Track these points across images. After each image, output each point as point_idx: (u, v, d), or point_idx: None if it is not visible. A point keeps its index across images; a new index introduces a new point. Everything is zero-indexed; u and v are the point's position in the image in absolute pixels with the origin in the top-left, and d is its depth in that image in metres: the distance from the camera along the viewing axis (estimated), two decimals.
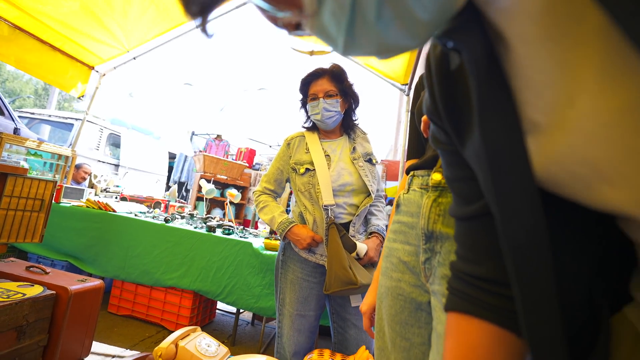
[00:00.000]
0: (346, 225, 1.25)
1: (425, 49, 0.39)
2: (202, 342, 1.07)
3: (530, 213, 0.26)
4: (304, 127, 1.39)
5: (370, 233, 1.28)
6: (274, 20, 0.26)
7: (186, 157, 6.08)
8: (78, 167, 3.26)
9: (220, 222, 2.39)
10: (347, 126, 1.36)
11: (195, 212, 2.56)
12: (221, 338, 2.17)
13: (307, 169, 1.26)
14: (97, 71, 2.95)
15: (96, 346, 1.72)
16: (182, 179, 6.02)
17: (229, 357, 1.10)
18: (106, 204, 2.31)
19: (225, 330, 2.35)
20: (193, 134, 7.11)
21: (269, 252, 1.93)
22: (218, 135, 4.78)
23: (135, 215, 2.32)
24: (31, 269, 1.59)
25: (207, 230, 2.13)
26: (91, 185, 2.91)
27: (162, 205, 2.94)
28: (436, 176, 0.69)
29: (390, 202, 2.22)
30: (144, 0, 2.35)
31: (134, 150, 5.26)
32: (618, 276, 0.30)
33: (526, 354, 0.32)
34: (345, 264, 1.11)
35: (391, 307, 0.72)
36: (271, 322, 2.28)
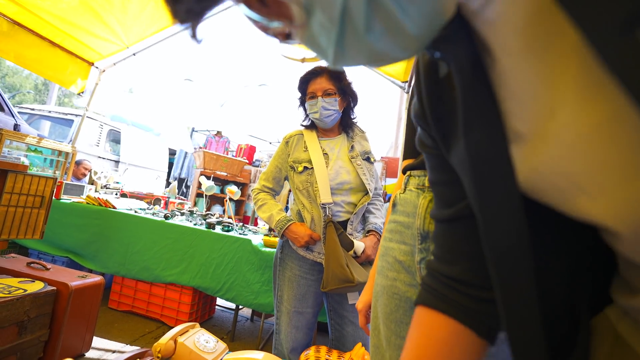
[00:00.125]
0: (344, 224, 1.26)
1: None
2: (200, 339, 1.09)
3: (513, 221, 0.26)
4: (302, 125, 1.39)
5: (368, 231, 1.29)
6: (265, 29, 0.26)
7: (186, 153, 6.09)
8: (78, 163, 3.27)
9: (220, 219, 2.40)
10: (345, 124, 1.37)
11: (195, 209, 2.57)
12: (220, 334, 2.19)
13: (306, 167, 1.27)
14: (96, 67, 2.95)
15: (97, 341, 1.74)
16: (182, 175, 6.03)
17: (227, 353, 1.11)
18: (106, 200, 2.32)
19: (224, 326, 2.37)
20: (193, 130, 7.11)
21: (268, 249, 1.94)
22: (218, 132, 4.78)
23: (135, 211, 2.33)
24: (32, 265, 1.60)
25: (206, 227, 2.14)
26: (91, 182, 2.92)
27: (162, 201, 2.95)
28: None
29: (390, 199, 2.23)
30: None
31: (134, 147, 5.26)
32: (599, 279, 0.31)
33: (483, 353, 0.34)
34: (343, 262, 1.12)
35: (386, 306, 0.73)
36: (270, 318, 2.30)
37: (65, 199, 2.38)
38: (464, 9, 0.26)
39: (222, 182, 4.04)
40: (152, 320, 2.16)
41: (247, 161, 4.41)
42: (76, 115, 4.52)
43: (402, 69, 2.64)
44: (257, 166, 4.60)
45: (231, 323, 2.24)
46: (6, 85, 16.66)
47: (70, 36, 2.56)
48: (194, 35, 0.28)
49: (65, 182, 2.43)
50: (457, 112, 0.28)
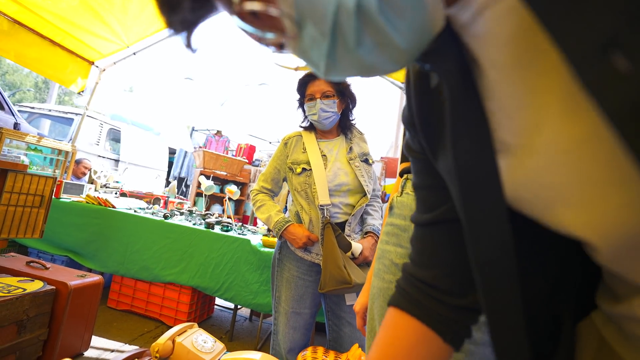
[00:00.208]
0: (342, 225, 1.27)
1: None
2: (198, 339, 1.09)
3: (499, 230, 0.27)
4: (301, 127, 1.40)
5: (366, 233, 1.30)
6: (259, 40, 0.27)
7: (186, 152, 6.09)
8: (78, 162, 3.28)
9: (219, 218, 2.41)
10: (344, 126, 1.37)
11: (194, 209, 2.57)
12: (219, 333, 2.20)
13: (304, 169, 1.28)
14: (97, 66, 2.95)
15: (95, 340, 1.75)
16: (182, 175, 6.03)
17: (225, 353, 1.12)
18: (106, 199, 2.33)
19: (223, 325, 2.38)
20: (193, 129, 7.12)
21: (266, 249, 1.95)
22: (218, 131, 4.78)
23: (135, 211, 2.33)
24: (31, 264, 1.61)
25: (205, 227, 2.15)
26: (91, 181, 2.93)
27: (162, 201, 2.95)
28: None
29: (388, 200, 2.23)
30: None
31: (134, 146, 5.27)
32: (585, 284, 0.31)
33: (447, 358, 0.36)
34: (340, 263, 1.13)
35: (382, 308, 0.74)
36: (269, 318, 2.31)
37: (65, 198, 2.39)
38: (453, 22, 0.26)
39: (221, 182, 4.04)
40: (151, 320, 2.17)
41: (247, 161, 4.41)
42: (76, 114, 4.52)
43: (402, 70, 2.64)
44: (257, 166, 4.60)
45: (230, 323, 2.24)
46: (6, 83, 16.66)
47: (71, 35, 2.56)
48: (188, 45, 0.28)
49: (65, 181, 2.44)
50: (445, 121, 0.29)
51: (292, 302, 1.25)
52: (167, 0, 0.25)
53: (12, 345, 1.27)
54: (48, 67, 2.61)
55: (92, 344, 1.69)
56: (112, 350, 1.74)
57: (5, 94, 3.50)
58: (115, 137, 5.06)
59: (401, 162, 0.90)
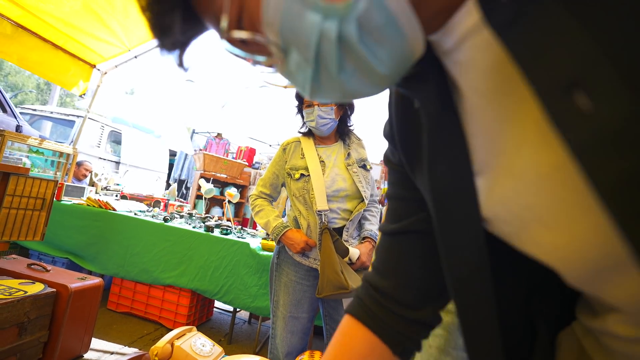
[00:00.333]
0: (339, 230, 1.28)
1: None
2: (197, 342, 1.10)
3: (474, 250, 0.28)
4: (300, 133, 1.41)
5: (364, 238, 1.31)
6: (248, 61, 0.28)
7: (186, 155, 6.11)
8: (79, 164, 3.29)
9: (219, 221, 2.42)
10: (342, 132, 1.39)
11: (194, 212, 2.59)
12: (218, 336, 2.20)
13: (302, 175, 1.29)
14: (98, 69, 2.97)
15: (95, 342, 1.76)
16: (183, 177, 6.05)
17: (223, 356, 1.13)
18: (106, 202, 2.34)
19: (222, 328, 2.39)
20: (194, 132, 7.15)
21: (265, 253, 1.96)
22: (218, 134, 4.81)
23: (135, 214, 2.35)
24: (32, 266, 1.62)
25: (205, 230, 2.16)
26: (92, 183, 2.94)
27: (162, 204, 2.97)
28: None
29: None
30: None
31: (135, 148, 5.29)
32: (567, 296, 0.33)
33: None
34: (338, 268, 1.14)
35: None
36: (267, 321, 2.32)
37: (66, 200, 2.40)
38: (435, 47, 0.27)
39: (221, 184, 4.06)
40: (151, 322, 2.18)
41: (247, 163, 4.43)
42: (77, 116, 4.54)
43: None
44: (257, 168, 4.62)
45: (229, 325, 2.25)
46: (9, 84, 16.72)
47: (73, 39, 2.58)
48: (180, 64, 0.29)
49: (66, 183, 2.46)
50: (423, 143, 0.30)
51: (290, 306, 1.27)
52: (159, 23, 0.26)
53: (13, 347, 1.28)
54: (50, 70, 2.64)
55: (92, 346, 1.70)
56: (112, 353, 1.75)
57: (8, 96, 3.53)
58: (116, 139, 5.09)
59: None
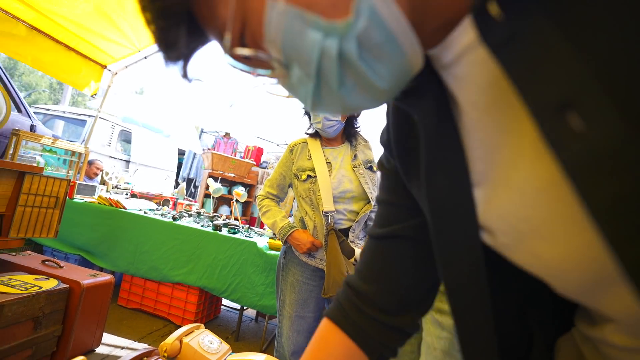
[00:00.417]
0: (346, 231, 1.29)
1: None
2: (205, 339, 1.12)
3: (472, 259, 0.28)
4: (306, 134, 1.42)
5: None
6: (252, 74, 0.29)
7: (195, 154, 6.18)
8: (90, 163, 3.36)
9: (227, 220, 2.45)
10: (349, 134, 1.39)
11: (202, 211, 2.62)
12: (225, 333, 2.24)
13: (309, 176, 1.30)
14: (109, 70, 3.02)
15: (106, 337, 1.80)
16: (191, 176, 6.12)
17: (230, 354, 1.15)
18: (117, 200, 2.39)
19: (229, 326, 2.42)
20: (202, 131, 7.22)
21: (273, 252, 1.98)
22: (227, 133, 4.84)
23: (145, 212, 2.39)
24: (47, 262, 1.67)
25: (213, 229, 2.19)
26: (103, 182, 3.00)
27: (171, 202, 3.01)
28: None
29: None
30: None
31: (145, 147, 5.37)
32: (566, 302, 0.33)
33: None
34: (343, 269, 1.15)
35: None
36: (274, 319, 2.34)
37: (79, 198, 2.46)
38: (434, 62, 0.28)
39: (229, 183, 4.10)
40: (160, 319, 2.22)
41: (255, 163, 4.46)
42: (89, 116, 4.63)
43: None
44: (265, 168, 4.65)
45: (236, 323, 2.28)
46: (23, 84, 17.09)
47: (85, 40, 2.63)
48: (185, 75, 0.30)
49: (78, 182, 2.51)
50: (421, 154, 0.30)
51: (296, 306, 1.28)
52: (164, 38, 0.27)
53: (29, 340, 1.33)
54: (63, 71, 2.69)
55: (103, 340, 1.74)
56: (122, 348, 1.80)
57: (22, 95, 3.61)
58: (126, 138, 5.17)
59: None
